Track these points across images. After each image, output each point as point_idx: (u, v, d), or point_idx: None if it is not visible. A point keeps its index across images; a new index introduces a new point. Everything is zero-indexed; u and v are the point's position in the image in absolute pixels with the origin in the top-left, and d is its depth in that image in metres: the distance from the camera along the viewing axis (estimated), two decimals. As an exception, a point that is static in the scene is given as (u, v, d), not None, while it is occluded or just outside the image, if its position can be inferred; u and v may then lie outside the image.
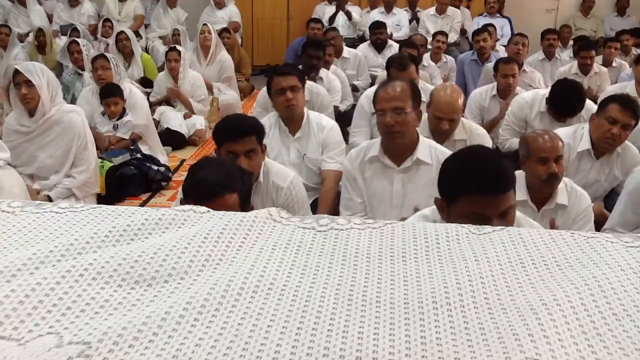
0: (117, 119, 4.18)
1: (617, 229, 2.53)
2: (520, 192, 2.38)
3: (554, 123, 3.52)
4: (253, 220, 1.09)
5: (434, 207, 1.74)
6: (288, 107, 2.93)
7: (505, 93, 4.17)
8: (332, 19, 7.50)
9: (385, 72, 5.09)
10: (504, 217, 1.53)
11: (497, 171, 1.56)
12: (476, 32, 5.72)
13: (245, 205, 1.81)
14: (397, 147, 2.41)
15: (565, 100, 3.46)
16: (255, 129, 2.27)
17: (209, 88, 5.63)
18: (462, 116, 3.11)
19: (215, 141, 2.30)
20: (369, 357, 0.75)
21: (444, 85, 3.14)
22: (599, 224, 2.61)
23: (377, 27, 6.41)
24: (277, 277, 0.92)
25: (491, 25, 6.36)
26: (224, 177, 1.78)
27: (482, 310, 0.86)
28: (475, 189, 1.50)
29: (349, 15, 7.51)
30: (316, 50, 4.50)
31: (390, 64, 3.86)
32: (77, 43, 5.24)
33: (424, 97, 2.97)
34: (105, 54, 4.60)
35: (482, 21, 7.19)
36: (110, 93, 4.15)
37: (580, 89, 3.49)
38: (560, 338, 0.79)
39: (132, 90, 4.38)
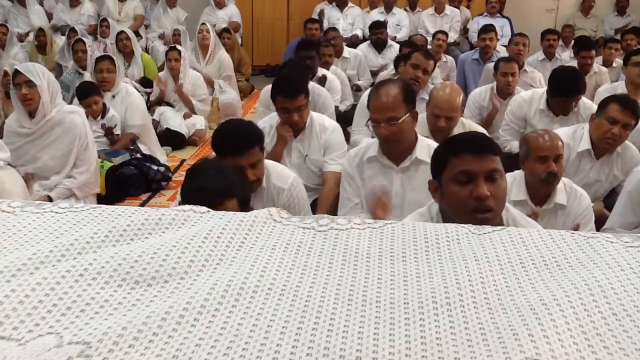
0: (101, 118, 4.10)
1: (617, 229, 2.52)
2: (520, 192, 2.38)
3: (553, 120, 3.53)
4: (253, 220, 1.09)
5: (429, 205, 1.75)
6: (293, 123, 2.91)
7: (503, 92, 4.17)
8: (321, 13, 7.54)
9: (386, 71, 5.10)
10: (492, 181, 1.57)
11: (483, 136, 1.79)
12: (483, 31, 5.63)
13: (244, 209, 1.81)
14: (395, 150, 2.41)
15: (565, 78, 3.50)
16: (257, 140, 2.25)
17: (210, 84, 5.63)
18: (462, 115, 3.11)
19: (216, 154, 2.26)
20: (369, 357, 0.75)
21: (443, 84, 3.14)
22: (599, 224, 2.61)
23: (377, 26, 6.41)
24: (277, 277, 0.92)
25: (491, 25, 6.33)
26: (224, 184, 1.78)
27: (482, 310, 0.86)
28: (463, 148, 1.61)
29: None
30: (308, 50, 4.47)
31: (414, 51, 3.91)
32: (83, 42, 5.24)
33: (425, 96, 2.97)
34: (111, 55, 4.56)
35: (482, 21, 7.17)
36: (87, 93, 4.03)
37: (579, 71, 3.59)
38: (560, 338, 0.79)
39: (128, 90, 4.36)
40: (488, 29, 5.68)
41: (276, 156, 2.84)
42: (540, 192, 2.40)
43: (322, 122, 3.03)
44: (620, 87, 4.26)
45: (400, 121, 2.32)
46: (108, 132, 4.08)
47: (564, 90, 3.46)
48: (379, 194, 2.38)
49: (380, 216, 2.35)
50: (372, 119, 2.39)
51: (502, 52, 5.67)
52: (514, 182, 2.42)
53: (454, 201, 1.60)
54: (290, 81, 2.90)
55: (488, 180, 1.56)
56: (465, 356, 0.76)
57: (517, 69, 4.20)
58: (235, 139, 2.23)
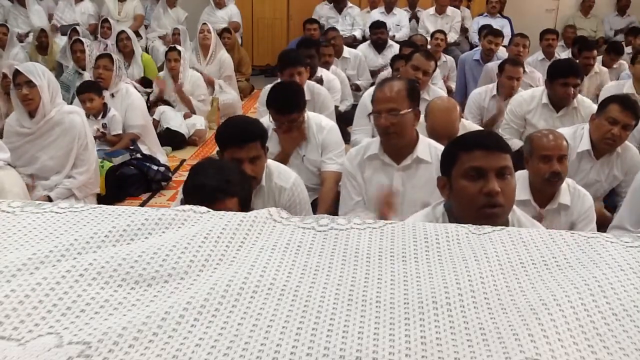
0: (102, 117, 4.10)
1: (626, 226, 2.49)
2: (523, 192, 2.37)
3: (554, 116, 3.53)
4: (253, 220, 1.09)
5: (433, 205, 1.75)
6: (290, 131, 2.90)
7: (507, 95, 4.17)
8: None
9: (385, 72, 5.09)
10: (503, 178, 1.58)
11: (493, 133, 1.84)
12: (492, 34, 5.52)
13: (245, 210, 1.81)
14: (395, 146, 2.41)
15: (561, 62, 3.89)
16: (259, 135, 2.25)
17: (211, 84, 5.63)
18: (462, 116, 3.10)
19: (218, 145, 2.28)
20: (369, 357, 0.75)
21: (442, 104, 2.95)
22: (599, 224, 2.60)
23: (378, 26, 6.40)
24: (277, 277, 0.92)
25: (500, 31, 6.25)
26: (224, 182, 1.79)
27: (482, 310, 0.86)
28: (475, 144, 1.62)
29: None
30: (307, 49, 4.47)
31: (415, 52, 3.91)
32: (81, 42, 5.24)
33: (426, 96, 2.94)
34: (112, 54, 4.58)
35: (482, 21, 7.17)
36: (84, 89, 4.04)
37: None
38: (560, 338, 0.79)
39: (128, 90, 4.36)
40: (498, 33, 5.58)
41: (284, 159, 2.84)
42: (544, 192, 2.39)
43: (319, 122, 3.02)
44: (628, 85, 4.25)
45: (401, 114, 2.32)
46: (100, 135, 4.05)
47: (561, 71, 3.49)
48: (386, 192, 2.39)
49: (387, 215, 2.36)
50: (374, 110, 2.40)
51: (502, 52, 5.66)
52: (517, 181, 2.41)
53: (463, 197, 1.60)
54: (284, 99, 2.84)
55: (498, 177, 1.57)
56: (465, 356, 0.76)
57: (522, 74, 4.20)
58: (238, 131, 2.24)
